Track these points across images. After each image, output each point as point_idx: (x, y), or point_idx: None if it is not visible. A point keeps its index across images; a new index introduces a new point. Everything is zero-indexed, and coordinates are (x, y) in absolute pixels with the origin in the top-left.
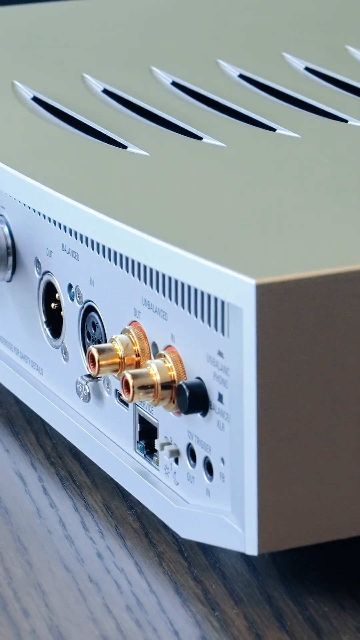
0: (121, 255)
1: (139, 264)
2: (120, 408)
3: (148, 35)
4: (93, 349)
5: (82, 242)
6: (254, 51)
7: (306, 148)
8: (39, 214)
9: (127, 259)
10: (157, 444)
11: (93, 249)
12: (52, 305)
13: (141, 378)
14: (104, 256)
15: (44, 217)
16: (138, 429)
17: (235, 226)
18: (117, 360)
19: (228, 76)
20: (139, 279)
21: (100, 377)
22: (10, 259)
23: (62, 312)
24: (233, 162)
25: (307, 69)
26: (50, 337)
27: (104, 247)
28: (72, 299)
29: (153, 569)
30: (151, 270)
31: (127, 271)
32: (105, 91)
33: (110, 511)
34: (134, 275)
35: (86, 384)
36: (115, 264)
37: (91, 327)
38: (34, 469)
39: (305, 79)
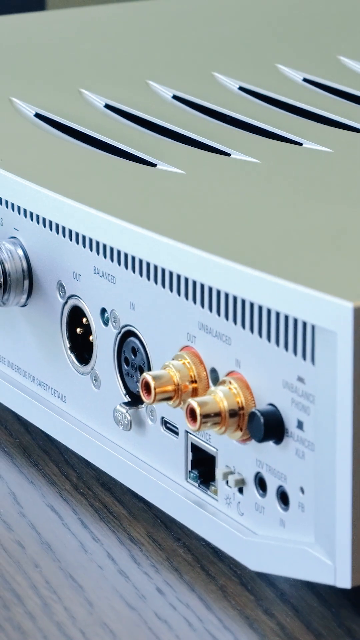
0: (177, 278)
1: (194, 287)
2: (168, 436)
3: (141, 48)
4: (148, 376)
5: (120, 264)
6: (247, 63)
7: (340, 162)
8: (66, 236)
9: (184, 282)
10: (219, 473)
11: (134, 272)
12: (78, 330)
13: (207, 406)
14: (149, 279)
15: (71, 239)
16: (190, 457)
17: (308, 246)
18: (173, 387)
19: (228, 89)
20: (195, 302)
21: (143, 405)
22: (27, 282)
23: (91, 338)
24: (273, 179)
25: (305, 80)
26: (77, 363)
27: (148, 270)
28: (105, 324)
29: (219, 603)
30: (211, 293)
31: (179, 294)
32: (108, 106)
33: (158, 543)
34: (188, 299)
35: (127, 412)
36: (164, 286)
37: (130, 352)
38: (64, 501)
39: (309, 90)
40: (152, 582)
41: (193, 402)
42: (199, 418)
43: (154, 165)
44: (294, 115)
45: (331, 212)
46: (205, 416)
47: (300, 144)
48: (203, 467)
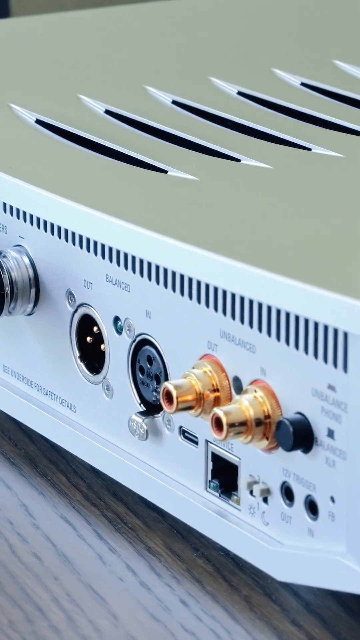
0: (198, 286)
1: (215, 294)
2: (186, 445)
3: (136, 53)
4: (169, 385)
5: (135, 272)
6: (243, 68)
7: (352, 167)
8: (76, 244)
9: (204, 289)
10: (242, 482)
11: (150, 280)
12: (88, 339)
13: (233, 415)
14: (166, 287)
15: (82, 247)
16: (210, 467)
17: (333, 251)
18: (195, 396)
19: (227, 94)
20: (216, 310)
21: (160, 414)
22: (33, 291)
23: (102, 346)
24: (288, 184)
25: (303, 84)
26: (87, 372)
27: (165, 277)
28: (119, 332)
29: (245, 614)
30: (234, 300)
31: (199, 302)
32: (108, 112)
33: (176, 554)
34: (208, 306)
35: (143, 421)
36: (182, 294)
37: (146, 361)
38: (77, 511)
39: (308, 94)
40: (175, 594)
41: (219, 412)
42: (225, 427)
43: (165, 171)
44: (297, 120)
45: (351, 217)
46: (231, 425)
47: (309, 149)
48: (224, 476)
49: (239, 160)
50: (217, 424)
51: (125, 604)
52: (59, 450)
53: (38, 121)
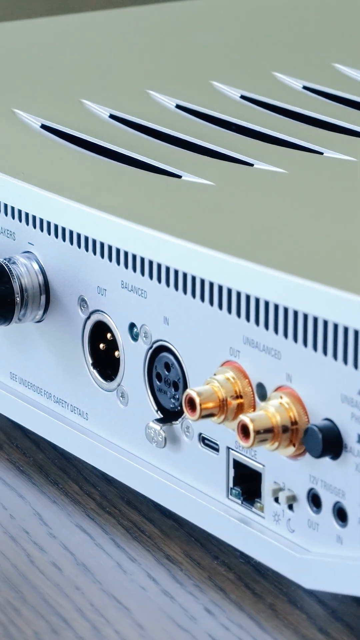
0: (219, 291)
1: (238, 300)
2: (206, 452)
3: (136, 57)
4: (192, 392)
5: (152, 278)
6: (244, 72)
7: None
8: (90, 250)
9: (226, 294)
10: (267, 489)
11: (169, 286)
12: (101, 346)
13: (260, 421)
14: (185, 292)
15: (95, 253)
16: (232, 474)
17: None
18: (218, 403)
19: (230, 98)
20: (239, 316)
21: (178, 421)
22: (43, 297)
23: (116, 353)
24: (304, 188)
25: (305, 87)
26: (100, 379)
27: (185, 283)
28: (134, 339)
29: (271, 622)
30: (257, 305)
31: (221, 308)
32: (113, 117)
33: (196, 562)
34: (231, 312)
35: (160, 428)
36: (203, 300)
37: (163, 368)
38: (92, 520)
39: (312, 98)
40: (199, 603)
41: (245, 418)
42: (252, 434)
43: (179, 176)
44: (304, 123)
45: None
46: (258, 432)
47: (321, 153)
48: (246, 483)
49: (251, 165)
50: (244, 431)
51: (149, 614)
52: (68, 458)
53: (43, 126)
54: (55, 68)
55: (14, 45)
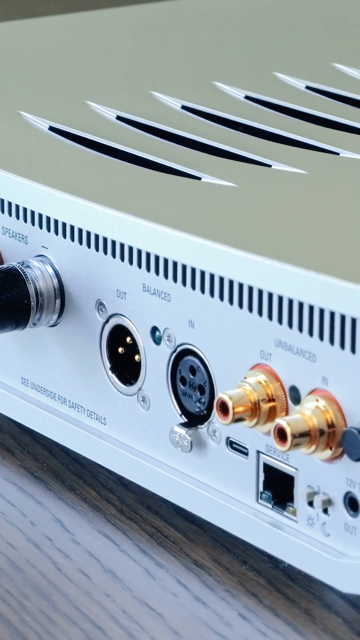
0: (249, 293)
1: (270, 302)
2: (234, 456)
3: (137, 58)
4: (224, 395)
5: (176, 281)
6: (246, 72)
7: None
8: (109, 253)
9: (257, 296)
10: (300, 493)
11: (194, 289)
12: (120, 349)
13: (297, 424)
14: (213, 295)
15: (115, 257)
16: (262, 478)
17: None
18: (250, 406)
19: (235, 98)
20: (271, 318)
21: (204, 425)
22: (58, 301)
23: (136, 357)
24: (328, 189)
25: (308, 87)
26: (119, 384)
27: (212, 286)
28: (157, 343)
29: (309, 627)
30: (291, 307)
31: (251, 310)
32: (120, 118)
33: (225, 567)
34: (262, 315)
35: (186, 433)
36: (232, 302)
37: (188, 371)
38: (114, 526)
39: (317, 98)
40: (233, 608)
41: (282, 422)
42: (289, 438)
43: (199, 178)
44: (314, 124)
45: None
46: (295, 436)
47: (337, 154)
48: (276, 487)
49: (269, 166)
50: (281, 434)
51: (184, 620)
52: (82, 464)
53: (52, 128)
54: (56, 68)
55: (13, 45)
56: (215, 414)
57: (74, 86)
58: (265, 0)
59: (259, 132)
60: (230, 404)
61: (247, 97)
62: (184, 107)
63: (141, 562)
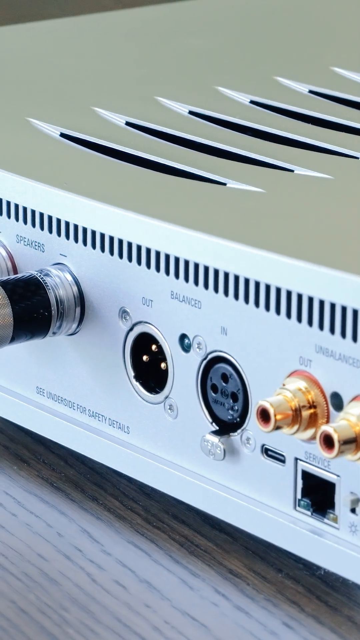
0: (287, 299)
1: (310, 307)
2: (270, 464)
3: (138, 62)
4: (265, 403)
5: (207, 288)
6: (247, 77)
7: None
8: (134, 261)
9: (296, 302)
10: (343, 500)
11: (227, 295)
12: (144, 357)
13: (343, 431)
14: (247, 302)
15: (140, 264)
16: (301, 485)
17: None
18: (292, 413)
19: (241, 103)
20: (311, 324)
21: (237, 433)
22: (78, 309)
23: (162, 365)
24: (357, 193)
25: (311, 92)
26: (144, 392)
27: (246, 292)
28: (186, 350)
29: (355, 635)
30: (333, 312)
31: (289, 317)
32: (130, 124)
33: (261, 576)
34: (301, 321)
35: (219, 441)
36: (268, 309)
37: (219, 379)
38: (142, 535)
39: (322, 102)
40: (276, 617)
41: (329, 429)
42: (336, 444)
43: (224, 184)
44: (324, 128)
45: None
46: (342, 442)
47: (357, 158)
48: (315, 494)
49: (292, 171)
50: (327, 441)
51: (229, 630)
52: (100, 473)
53: (63, 135)
54: (60, 73)
55: (15, 50)
56: (250, 421)
57: (79, 92)
58: (264, 5)
59: (272, 136)
60: (271, 411)
61: (252, 102)
62: (191, 112)
63: (176, 572)
